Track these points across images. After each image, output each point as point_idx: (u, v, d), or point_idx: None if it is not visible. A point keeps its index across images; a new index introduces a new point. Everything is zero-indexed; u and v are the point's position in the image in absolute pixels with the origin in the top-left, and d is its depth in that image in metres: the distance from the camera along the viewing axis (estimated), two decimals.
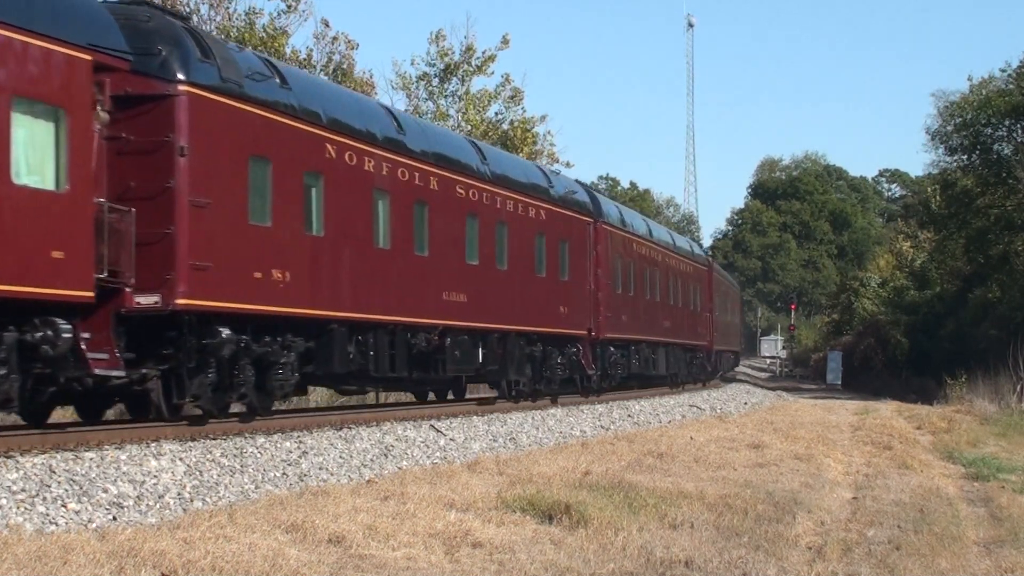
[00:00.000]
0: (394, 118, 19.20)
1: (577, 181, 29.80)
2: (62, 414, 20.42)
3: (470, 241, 20.80)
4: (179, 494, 11.38)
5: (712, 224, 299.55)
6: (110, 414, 20.78)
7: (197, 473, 12.08)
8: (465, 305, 20.22)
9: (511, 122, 41.19)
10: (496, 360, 21.76)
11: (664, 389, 35.41)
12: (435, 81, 39.87)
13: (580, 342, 26.17)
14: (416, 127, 20.36)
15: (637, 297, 31.29)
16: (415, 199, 18.97)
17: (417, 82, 39.86)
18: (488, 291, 21.29)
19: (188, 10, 31.55)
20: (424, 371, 19.33)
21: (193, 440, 13.60)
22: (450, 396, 23.37)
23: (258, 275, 14.85)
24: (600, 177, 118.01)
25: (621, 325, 29.25)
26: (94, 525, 9.98)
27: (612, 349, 28.72)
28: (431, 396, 23.14)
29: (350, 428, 16.35)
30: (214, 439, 13.87)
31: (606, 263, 28.07)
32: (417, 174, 19.02)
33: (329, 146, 16.60)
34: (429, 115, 39.07)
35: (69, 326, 12.01)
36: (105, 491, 10.77)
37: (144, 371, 13.49)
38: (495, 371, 22.02)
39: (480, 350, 21.10)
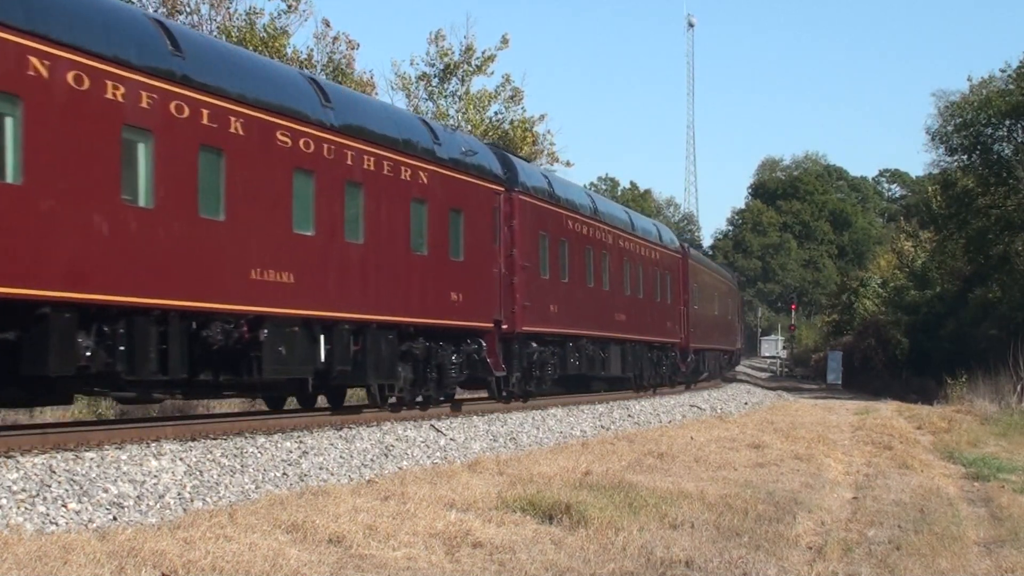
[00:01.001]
0: (167, 33, 14.16)
1: (493, 146, 25.07)
2: (62, 414, 20.46)
3: (300, 205, 15.96)
4: (179, 494, 11.38)
5: (712, 224, 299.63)
6: (110, 413, 20.84)
7: (197, 473, 12.09)
8: (290, 288, 15.56)
9: (511, 122, 41.20)
10: (349, 359, 16.99)
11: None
12: (435, 81, 39.87)
13: (484, 337, 21.27)
14: (207, 49, 15.34)
15: (575, 285, 26.06)
16: (201, 143, 14.17)
17: (417, 82, 39.87)
18: (330, 270, 16.56)
19: (188, 10, 31.60)
20: (233, 373, 15.25)
21: (193, 440, 13.60)
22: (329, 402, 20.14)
23: None
24: (600, 178, 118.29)
25: (549, 317, 24.06)
26: (94, 525, 9.99)
27: (535, 345, 23.59)
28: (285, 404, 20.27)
29: (350, 428, 16.35)
30: (214, 439, 13.87)
31: (526, 242, 22.91)
32: (206, 111, 14.24)
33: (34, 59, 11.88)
34: (429, 115, 39.08)
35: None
36: (105, 491, 10.78)
37: None
38: (349, 373, 17.14)
39: (322, 346, 16.45)
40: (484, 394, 23.99)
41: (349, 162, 17.16)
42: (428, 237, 19.23)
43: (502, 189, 22.24)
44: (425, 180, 19.19)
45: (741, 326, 63.47)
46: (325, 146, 16.64)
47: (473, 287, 20.71)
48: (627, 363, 30.39)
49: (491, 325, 21.35)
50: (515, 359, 22.70)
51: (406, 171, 18.62)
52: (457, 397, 22.19)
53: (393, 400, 18.94)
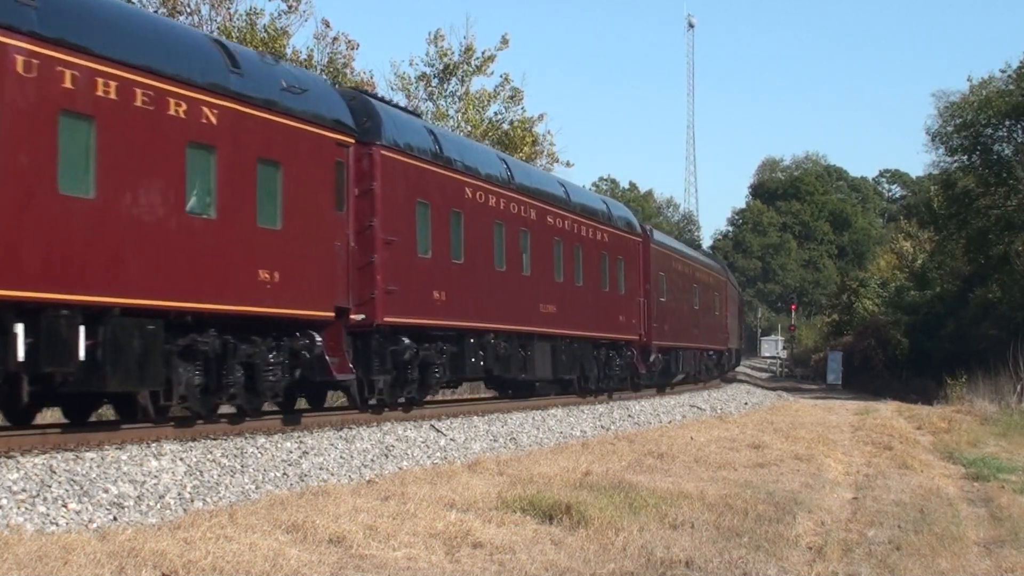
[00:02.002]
0: None
1: (357, 90, 20.95)
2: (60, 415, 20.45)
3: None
4: (180, 494, 11.38)
5: (712, 224, 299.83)
6: (109, 414, 20.83)
7: (197, 473, 12.09)
8: None
9: (511, 122, 41.20)
10: (70, 359, 12.25)
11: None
12: (434, 81, 39.87)
13: (323, 329, 16.51)
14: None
15: (477, 268, 20.98)
16: None
17: (416, 82, 39.88)
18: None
19: (189, 10, 31.60)
20: None
21: (193, 440, 13.60)
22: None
23: None
24: (601, 178, 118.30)
25: (431, 306, 19.20)
26: (95, 525, 9.99)
27: (407, 342, 18.50)
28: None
29: (350, 428, 16.35)
30: (214, 439, 13.87)
31: (392, 211, 18.03)
32: None
33: None
34: (429, 115, 39.10)
35: None
36: (106, 491, 10.78)
37: None
38: (76, 376, 12.45)
39: (20, 341, 11.66)
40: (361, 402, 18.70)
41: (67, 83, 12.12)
42: (218, 195, 14.37)
43: (351, 141, 17.14)
44: (212, 120, 14.29)
45: (739, 323, 58.74)
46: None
47: (297, 264, 15.71)
48: (561, 363, 25.13)
49: (330, 314, 16.36)
50: (376, 359, 17.67)
51: (177, 105, 13.70)
52: (300, 407, 18.64)
53: (186, 411, 14.68)
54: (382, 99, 20.88)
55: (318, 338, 16.30)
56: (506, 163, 23.76)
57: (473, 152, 22.40)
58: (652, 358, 32.30)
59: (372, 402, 18.39)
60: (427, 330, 19.32)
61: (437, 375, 19.67)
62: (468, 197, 20.90)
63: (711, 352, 44.23)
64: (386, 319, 17.75)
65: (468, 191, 20.90)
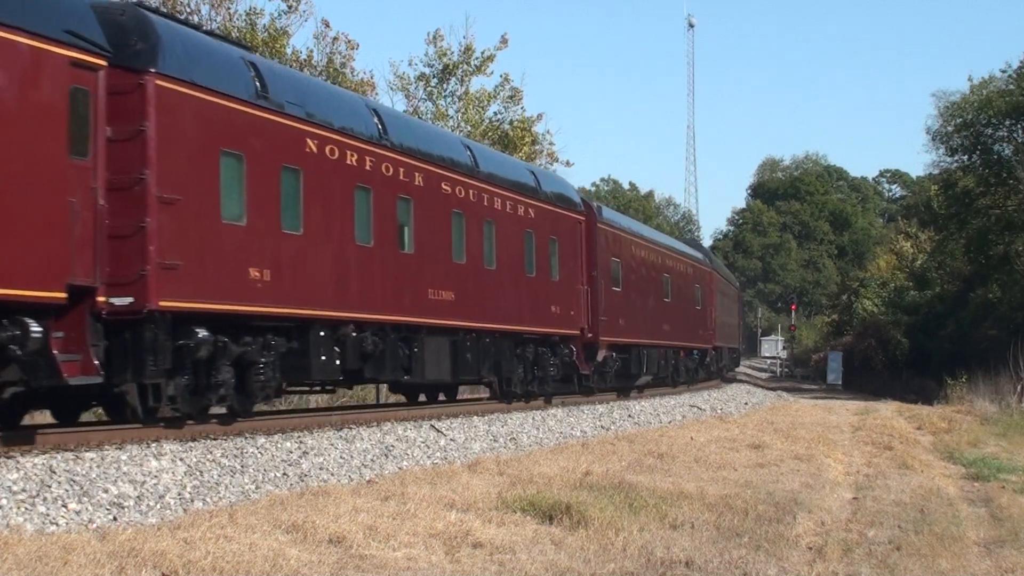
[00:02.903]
0: None
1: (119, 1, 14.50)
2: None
3: None
4: (179, 494, 11.38)
5: (712, 224, 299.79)
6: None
7: (197, 473, 12.08)
8: None
9: (511, 122, 41.20)
10: None
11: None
12: (433, 81, 39.86)
13: (40, 318, 12.10)
14: None
15: (319, 240, 16.46)
16: None
17: (416, 82, 39.87)
18: None
19: (189, 10, 31.60)
20: None
21: (193, 440, 13.59)
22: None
23: None
24: (601, 179, 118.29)
25: (244, 288, 14.84)
26: (95, 525, 9.98)
27: (203, 334, 14.17)
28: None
29: (350, 428, 16.34)
30: (214, 439, 13.86)
31: (174, 163, 13.72)
32: None
33: None
34: (428, 115, 39.11)
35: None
36: (105, 491, 10.77)
37: None
38: None
39: None
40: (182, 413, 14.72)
41: None
42: None
43: (100, 63, 12.83)
44: None
45: (733, 319, 53.89)
46: None
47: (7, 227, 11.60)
48: (464, 363, 20.49)
49: (59, 295, 12.20)
50: (150, 357, 13.32)
51: None
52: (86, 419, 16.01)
53: None
54: (173, 17, 17.72)
55: (35, 327, 11.87)
56: (379, 116, 18.73)
57: (325, 97, 17.76)
58: (601, 356, 27.16)
59: (140, 414, 13.69)
60: (244, 319, 15.00)
61: (262, 378, 15.24)
62: (311, 152, 16.41)
63: (694, 351, 39.67)
64: (164, 303, 13.37)
65: (312, 144, 16.41)
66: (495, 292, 21.82)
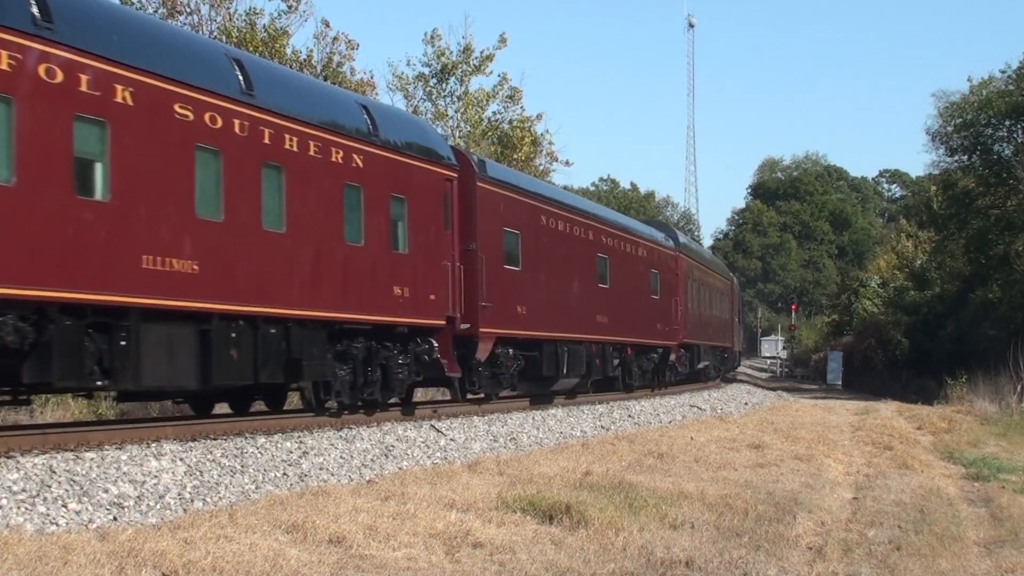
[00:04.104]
0: None
1: None
2: (62, 414, 20.47)
3: None
4: (180, 494, 11.38)
5: (712, 224, 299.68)
6: (110, 413, 20.84)
7: (197, 473, 12.09)
8: None
9: (510, 122, 41.22)
10: None
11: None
12: (432, 81, 39.87)
13: None
14: None
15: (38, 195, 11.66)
16: None
17: (415, 82, 39.88)
18: None
19: (189, 10, 31.63)
20: None
21: (193, 440, 13.60)
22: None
23: None
24: (601, 178, 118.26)
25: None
26: (95, 525, 9.99)
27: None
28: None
29: (350, 428, 16.35)
30: (214, 439, 13.87)
31: None
32: None
33: None
34: (428, 115, 39.11)
35: None
36: (106, 491, 10.78)
37: None
38: None
39: None
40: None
41: None
42: None
43: None
44: None
45: (729, 316, 48.29)
46: None
47: None
48: (221, 362, 14.32)
49: None
50: None
51: None
52: None
53: None
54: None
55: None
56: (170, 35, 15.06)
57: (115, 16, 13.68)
58: (484, 354, 21.05)
59: None
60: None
61: None
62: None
63: (657, 349, 33.02)
64: None
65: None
66: (281, 264, 15.41)
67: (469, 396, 21.59)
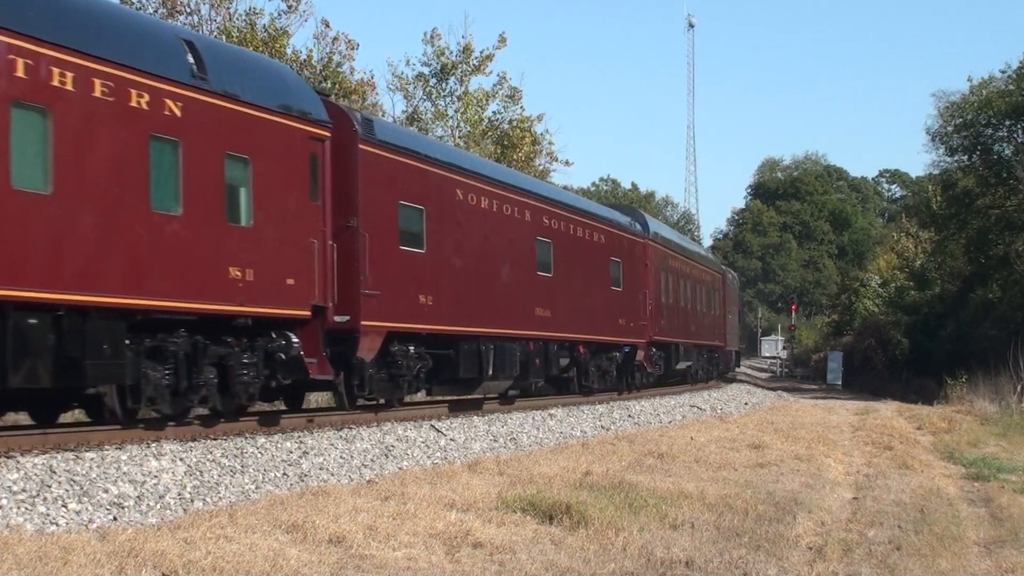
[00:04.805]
0: None
1: None
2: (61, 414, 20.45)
3: None
4: (180, 494, 11.38)
5: (712, 224, 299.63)
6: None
7: (197, 473, 12.09)
8: None
9: (510, 121, 41.23)
10: None
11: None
12: (432, 81, 39.88)
13: None
14: None
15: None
16: None
17: (415, 82, 39.88)
18: None
19: (189, 10, 31.64)
20: None
21: (193, 440, 13.61)
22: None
23: None
24: (601, 178, 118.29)
25: None
26: (95, 525, 9.99)
27: None
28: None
29: (350, 428, 16.35)
30: (214, 439, 13.88)
31: None
32: None
33: None
34: (428, 115, 39.13)
35: None
36: (106, 491, 10.78)
37: None
38: None
39: None
40: None
41: None
42: None
43: None
44: None
45: (720, 313, 44.48)
46: None
47: None
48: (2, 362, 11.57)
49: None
50: None
51: None
52: None
53: None
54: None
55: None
56: None
57: None
58: (371, 353, 17.45)
59: None
60: None
61: None
62: None
63: (622, 347, 29.27)
64: None
65: None
66: (43, 233, 11.93)
67: (363, 402, 18.41)
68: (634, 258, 30.37)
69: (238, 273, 14.46)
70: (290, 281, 15.42)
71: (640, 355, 30.25)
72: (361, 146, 17.24)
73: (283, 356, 15.33)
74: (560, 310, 24.47)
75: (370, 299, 17.15)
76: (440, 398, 21.79)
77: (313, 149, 16.13)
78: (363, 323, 16.97)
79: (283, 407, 18.30)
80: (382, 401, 18.64)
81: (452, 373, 19.90)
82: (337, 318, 16.36)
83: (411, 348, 18.56)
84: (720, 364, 45.26)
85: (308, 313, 15.69)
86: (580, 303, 25.85)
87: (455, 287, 19.91)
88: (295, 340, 15.52)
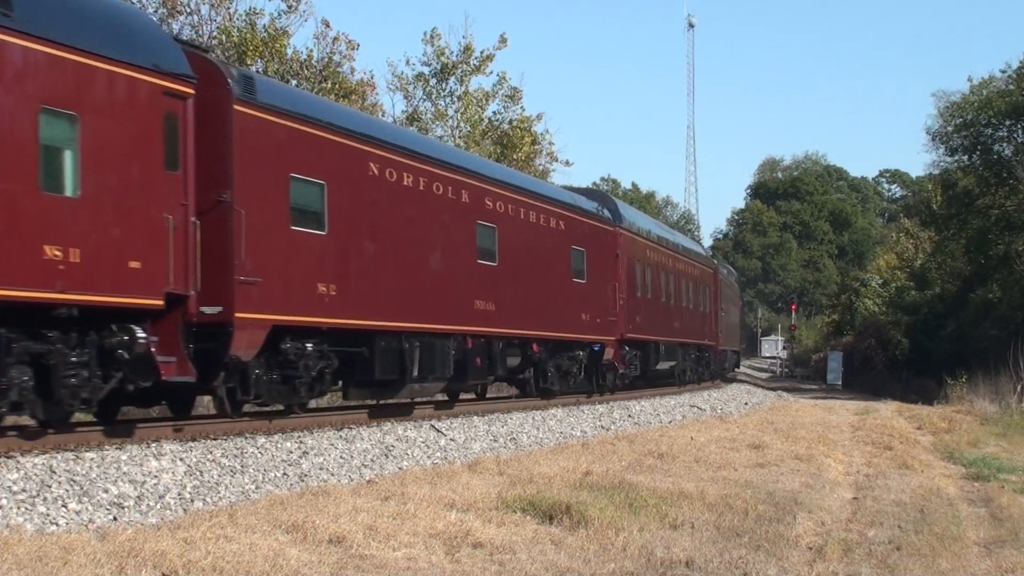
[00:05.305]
0: None
1: None
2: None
3: None
4: (180, 494, 11.38)
5: (712, 224, 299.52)
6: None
7: (197, 473, 12.09)
8: None
9: (510, 122, 41.22)
10: None
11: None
12: (432, 81, 39.87)
13: None
14: None
15: None
16: None
17: (415, 82, 39.87)
18: None
19: (189, 10, 31.64)
20: None
21: (193, 440, 13.61)
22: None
23: None
24: (602, 178, 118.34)
25: None
26: (95, 525, 9.99)
27: None
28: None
29: (350, 428, 16.35)
30: (214, 439, 13.88)
31: None
32: None
33: None
34: (428, 115, 39.12)
35: None
36: (106, 491, 10.78)
37: None
38: None
39: None
40: None
41: None
42: None
43: None
44: None
45: (710, 308, 41.65)
46: None
47: None
48: None
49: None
50: None
51: None
52: None
53: None
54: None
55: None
56: None
57: None
58: (247, 351, 14.48)
59: None
60: None
61: None
62: None
63: (591, 346, 26.68)
64: None
65: None
66: None
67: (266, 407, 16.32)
68: (602, 248, 27.47)
69: (57, 253, 11.75)
70: (134, 264, 12.75)
71: (610, 354, 27.45)
72: (238, 107, 14.43)
73: (125, 354, 12.65)
74: (507, 303, 21.61)
75: (248, 287, 14.34)
76: (357, 403, 19.23)
77: (170, 108, 13.35)
78: (238, 315, 14.10)
79: (215, 409, 15.80)
80: (282, 407, 16.34)
81: (368, 374, 17.37)
82: (205, 309, 13.71)
83: (308, 345, 15.81)
84: (711, 364, 42.38)
85: (160, 303, 13.01)
86: (532, 296, 22.95)
87: (369, 275, 17.13)
88: (141, 335, 12.79)
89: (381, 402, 18.97)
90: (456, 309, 19.77)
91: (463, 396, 23.75)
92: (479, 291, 20.62)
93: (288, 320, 15.26)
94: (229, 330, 14.05)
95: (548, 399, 24.31)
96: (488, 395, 25.83)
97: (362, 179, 17.12)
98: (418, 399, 19.88)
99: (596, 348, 26.81)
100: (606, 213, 28.56)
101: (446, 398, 22.74)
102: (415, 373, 18.20)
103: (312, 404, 17.95)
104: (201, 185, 13.78)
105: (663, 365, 32.90)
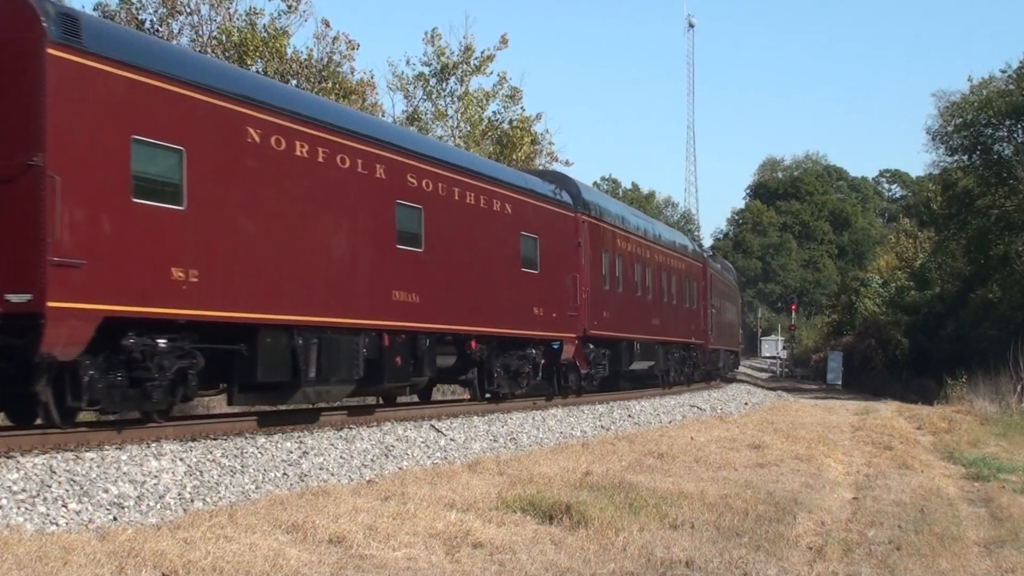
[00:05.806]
0: None
1: None
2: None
3: None
4: (180, 494, 11.38)
5: (712, 224, 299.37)
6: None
7: (198, 473, 12.09)
8: None
9: (510, 121, 41.22)
10: None
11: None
12: (432, 81, 39.87)
13: None
14: None
15: None
16: None
17: (415, 82, 39.87)
18: None
19: (189, 10, 31.64)
20: None
21: (193, 440, 13.61)
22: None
23: None
24: (602, 178, 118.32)
25: None
26: (95, 525, 9.99)
27: None
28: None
29: (351, 428, 16.34)
30: (214, 439, 13.88)
31: None
32: None
33: None
34: (428, 115, 39.11)
35: None
36: (106, 491, 10.78)
37: None
38: None
39: None
40: None
41: None
42: None
43: None
44: None
45: (698, 306, 38.74)
46: None
47: None
48: None
49: None
50: None
51: None
52: None
53: None
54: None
55: None
56: None
57: None
58: (73, 346, 11.96)
59: None
60: None
61: None
62: None
63: (549, 343, 24.10)
64: None
65: None
66: None
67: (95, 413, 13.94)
68: (560, 235, 24.53)
69: None
70: None
71: (570, 352, 24.72)
72: (53, 52, 11.72)
73: None
74: (435, 295, 18.87)
75: (67, 270, 11.69)
76: (242, 410, 17.25)
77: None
78: (51, 304, 11.50)
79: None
80: (137, 415, 14.05)
81: (250, 376, 14.77)
82: (12, 297, 11.41)
83: (161, 342, 13.21)
84: (700, 365, 39.21)
85: None
86: (469, 287, 20.17)
87: (246, 260, 14.36)
88: None
89: (272, 408, 16.77)
90: (368, 300, 17.01)
91: (400, 400, 20.69)
92: (398, 280, 17.81)
93: (128, 311, 12.55)
94: (40, 322, 11.46)
95: (497, 403, 22.07)
96: (433, 399, 23.90)
97: (238, 146, 14.30)
98: (322, 404, 17.12)
99: (556, 346, 24.23)
100: (565, 197, 25.35)
101: (379, 401, 20.27)
102: (311, 375, 15.58)
103: (201, 410, 15.79)
104: (3, 145, 11.51)
105: (639, 365, 30.14)
